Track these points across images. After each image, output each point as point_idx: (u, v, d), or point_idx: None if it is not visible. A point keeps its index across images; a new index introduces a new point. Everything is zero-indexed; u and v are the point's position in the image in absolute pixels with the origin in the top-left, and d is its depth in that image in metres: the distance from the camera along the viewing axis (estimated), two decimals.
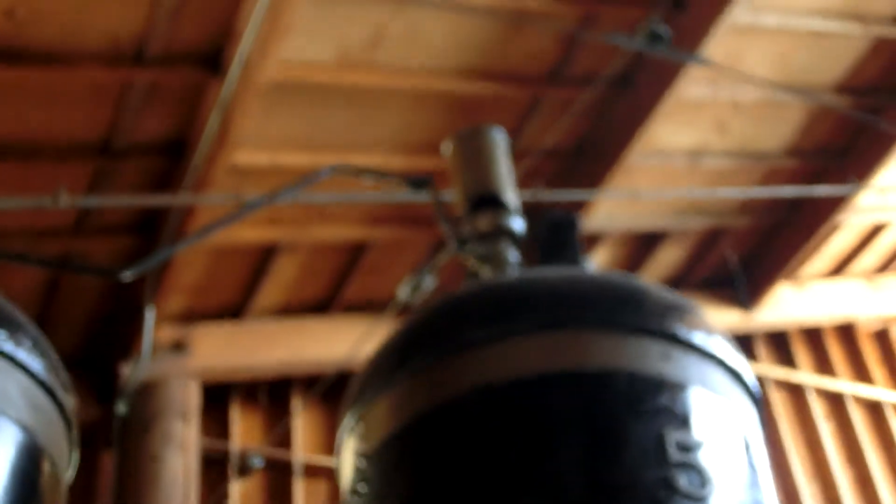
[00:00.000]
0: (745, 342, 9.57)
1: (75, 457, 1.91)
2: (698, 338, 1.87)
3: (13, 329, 1.77)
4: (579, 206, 7.35)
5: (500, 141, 2.53)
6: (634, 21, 6.14)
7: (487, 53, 6.58)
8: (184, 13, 5.53)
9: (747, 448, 1.82)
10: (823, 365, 10.09)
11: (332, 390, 7.46)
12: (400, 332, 1.99)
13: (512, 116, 7.00)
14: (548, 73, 6.87)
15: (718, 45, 6.63)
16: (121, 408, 6.83)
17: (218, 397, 7.85)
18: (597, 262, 8.38)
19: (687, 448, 1.70)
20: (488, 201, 2.41)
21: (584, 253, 2.34)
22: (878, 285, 10.20)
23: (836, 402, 9.94)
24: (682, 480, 1.65)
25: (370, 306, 7.95)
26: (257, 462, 7.65)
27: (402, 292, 6.11)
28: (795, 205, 8.80)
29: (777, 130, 8.07)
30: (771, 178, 8.40)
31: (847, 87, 7.88)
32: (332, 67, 6.27)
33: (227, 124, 5.85)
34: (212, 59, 5.85)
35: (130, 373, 6.83)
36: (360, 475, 1.87)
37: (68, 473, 1.89)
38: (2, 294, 1.87)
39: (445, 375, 1.82)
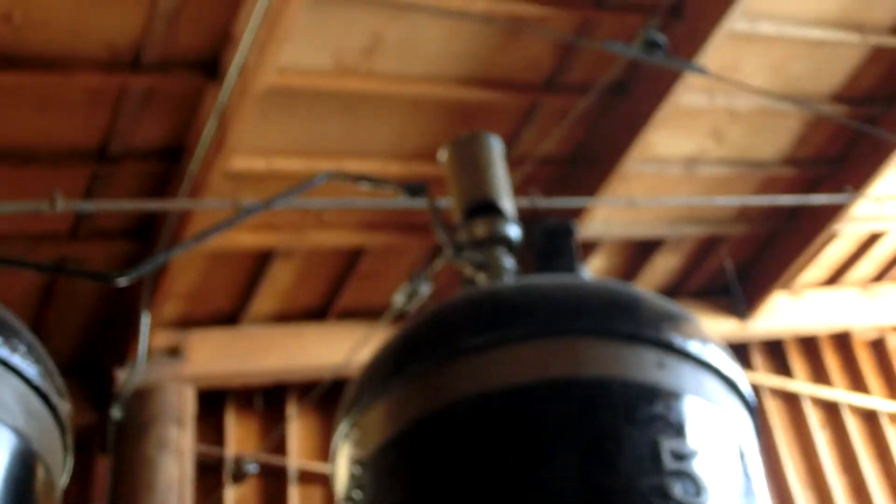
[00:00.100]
0: (740, 351, 9.58)
1: (70, 462, 1.91)
2: (693, 346, 1.87)
3: (8, 334, 1.76)
4: (575, 213, 7.35)
5: (496, 148, 2.54)
6: (631, 29, 6.14)
7: (484, 60, 6.58)
8: (181, 19, 5.53)
9: (742, 456, 1.82)
10: (819, 374, 10.09)
11: (327, 397, 7.45)
12: (396, 339, 1.99)
13: (509, 123, 7.00)
14: (544, 80, 6.88)
15: (715, 53, 6.63)
16: (116, 413, 6.83)
17: (213, 403, 7.84)
18: (592, 269, 8.38)
19: (682, 456, 1.70)
20: (484, 208, 2.41)
21: (580, 260, 2.34)
22: (874, 294, 10.20)
23: (831, 410, 9.95)
24: (677, 488, 1.65)
25: (366, 313, 7.94)
26: (252, 468, 7.64)
27: (398, 299, 6.11)
28: (792, 213, 8.81)
29: (773, 139, 8.08)
30: (767, 186, 8.41)
31: (844, 96, 7.89)
32: (330, 74, 6.27)
33: (223, 130, 5.84)
34: (209, 65, 5.85)
35: (126, 378, 6.82)
36: (355, 481, 1.87)
37: (63, 478, 1.89)
38: None
39: (441, 382, 1.82)
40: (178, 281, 7.01)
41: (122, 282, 2.36)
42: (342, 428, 1.96)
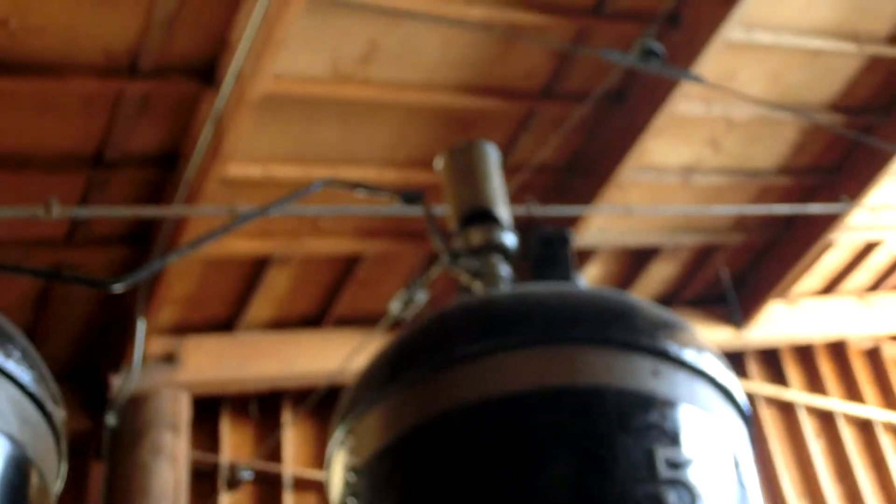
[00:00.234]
0: (736, 360, 9.58)
1: (64, 468, 1.90)
2: (689, 355, 1.87)
3: (2, 340, 1.76)
4: (572, 221, 7.35)
5: (492, 156, 2.54)
6: (628, 37, 6.14)
7: (481, 68, 6.58)
8: (178, 25, 5.53)
9: (737, 465, 1.82)
10: (814, 383, 10.10)
11: (322, 404, 7.45)
12: (391, 347, 1.98)
13: (505, 131, 7.01)
14: (541, 88, 6.88)
15: (712, 62, 6.63)
16: (111, 419, 6.81)
17: (208, 410, 7.83)
18: (588, 277, 8.39)
19: (676, 465, 1.70)
20: (480, 216, 2.41)
21: (576, 269, 2.34)
22: (869, 304, 10.21)
23: (826, 420, 9.95)
24: (672, 497, 1.65)
25: (362, 320, 7.94)
26: (247, 475, 7.62)
27: (394, 306, 6.10)
28: (788, 223, 8.82)
29: (770, 148, 8.09)
30: (764, 195, 8.41)
31: (840, 105, 7.90)
32: (326, 81, 6.27)
33: (220, 136, 5.84)
34: (205, 71, 5.85)
35: (121, 384, 6.81)
36: (350, 489, 1.87)
37: (57, 485, 1.88)
38: None
39: (436, 390, 1.82)
40: (174, 287, 7.01)
41: (118, 288, 2.36)
42: (337, 435, 1.96)
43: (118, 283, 2.34)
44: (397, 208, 5.75)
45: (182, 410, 7.30)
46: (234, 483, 7.63)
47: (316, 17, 5.86)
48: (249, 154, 6.45)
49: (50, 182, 6.01)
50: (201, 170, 5.98)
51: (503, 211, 2.44)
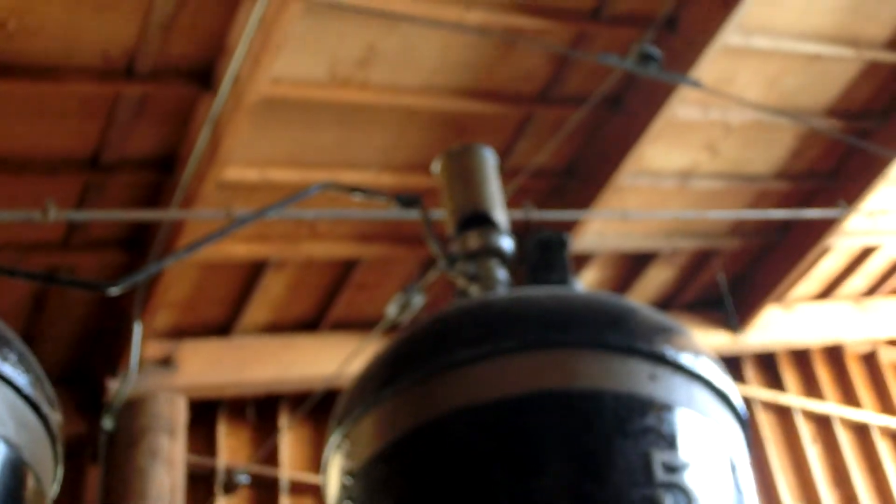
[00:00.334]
0: (733, 364, 9.59)
1: (60, 472, 1.90)
2: (686, 359, 1.86)
3: None
4: (569, 225, 7.35)
5: (489, 160, 2.53)
6: (626, 42, 6.15)
7: (479, 72, 6.59)
8: (175, 28, 5.53)
9: (733, 469, 1.82)
10: (811, 387, 10.10)
11: (319, 408, 7.45)
12: (388, 351, 1.98)
13: (503, 135, 7.01)
14: (539, 92, 6.88)
15: (710, 67, 6.64)
16: (107, 423, 6.81)
17: (205, 413, 7.83)
18: (586, 282, 8.38)
19: (673, 469, 1.70)
20: (478, 220, 2.41)
21: (573, 273, 2.34)
22: (866, 308, 10.22)
23: (823, 424, 9.95)
24: (669, 501, 1.65)
25: (359, 324, 7.94)
26: (244, 479, 7.62)
27: (391, 310, 6.10)
28: (785, 227, 8.83)
29: (767, 153, 8.09)
30: (761, 200, 8.42)
31: (838, 110, 7.90)
32: (324, 85, 6.27)
33: (217, 140, 5.84)
34: (203, 74, 5.84)
35: (117, 388, 6.80)
36: (347, 493, 1.87)
37: (53, 488, 1.88)
38: None
39: (433, 393, 1.82)
40: (171, 291, 7.00)
41: (115, 291, 2.36)
42: (334, 439, 1.96)
43: (115, 286, 2.34)
44: (394, 212, 5.76)
45: (179, 414, 7.29)
46: (230, 487, 7.62)
47: (314, 21, 5.86)
48: (247, 158, 6.44)
49: (47, 185, 6.01)
50: (198, 173, 5.98)
51: (500, 215, 2.44)
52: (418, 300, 6.05)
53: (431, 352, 1.87)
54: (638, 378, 1.80)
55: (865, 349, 10.61)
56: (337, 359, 7.22)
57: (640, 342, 1.85)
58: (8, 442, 1.68)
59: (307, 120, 6.46)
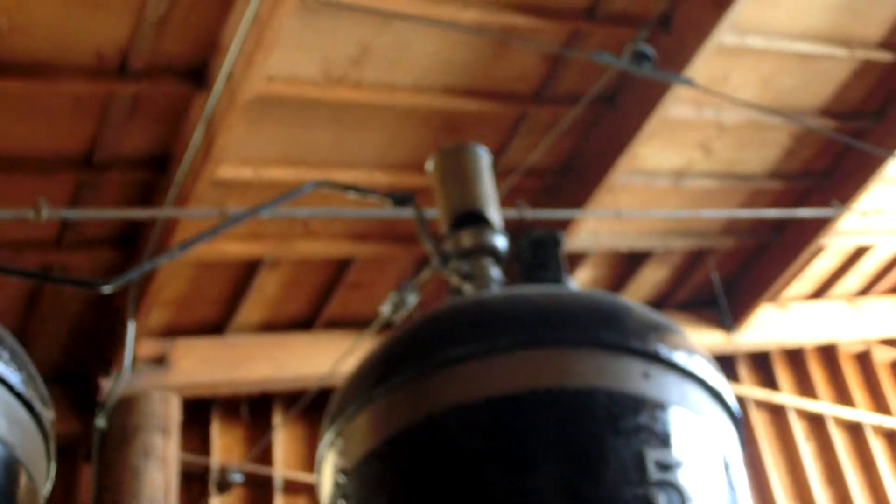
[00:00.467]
0: (726, 363, 9.60)
1: (52, 470, 1.90)
2: (679, 357, 1.86)
3: None
4: (563, 224, 7.35)
5: (483, 158, 2.53)
6: (621, 41, 6.15)
7: (473, 71, 6.58)
8: (169, 27, 5.53)
9: (727, 468, 1.82)
10: (805, 386, 10.12)
11: (313, 407, 7.44)
12: (381, 349, 1.98)
13: (497, 134, 7.01)
14: (533, 91, 6.88)
15: (704, 66, 6.64)
16: (101, 421, 6.80)
17: (198, 412, 7.82)
18: (580, 281, 8.39)
19: (666, 467, 1.69)
20: (471, 219, 2.40)
21: (567, 272, 2.34)
22: (859, 308, 10.23)
23: (816, 423, 9.97)
24: (662, 499, 1.65)
25: (353, 323, 7.94)
26: (237, 477, 7.62)
27: (385, 309, 6.10)
28: (779, 227, 8.83)
29: (761, 152, 8.10)
30: (754, 199, 8.42)
31: (831, 110, 7.91)
32: (318, 83, 6.26)
33: (210, 138, 5.83)
34: (196, 72, 5.84)
35: (111, 386, 6.80)
36: (340, 491, 1.86)
37: (46, 487, 1.88)
38: None
39: (426, 392, 1.82)
40: (165, 289, 7.00)
41: (108, 290, 2.35)
42: (327, 437, 1.96)
43: (108, 284, 2.34)
44: (388, 211, 5.75)
45: (172, 413, 7.28)
46: (224, 485, 7.62)
47: (307, 19, 5.86)
48: (240, 156, 6.44)
49: (40, 184, 6.00)
50: (192, 171, 5.98)
51: (494, 214, 2.43)
52: (412, 299, 6.05)
53: (425, 350, 1.87)
54: (631, 376, 1.80)
55: (859, 348, 10.63)
56: (331, 357, 7.21)
57: (633, 341, 1.84)
58: (1, 440, 1.68)
59: (301, 118, 6.46)
